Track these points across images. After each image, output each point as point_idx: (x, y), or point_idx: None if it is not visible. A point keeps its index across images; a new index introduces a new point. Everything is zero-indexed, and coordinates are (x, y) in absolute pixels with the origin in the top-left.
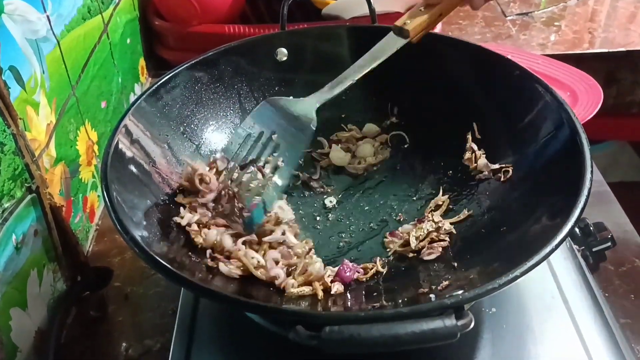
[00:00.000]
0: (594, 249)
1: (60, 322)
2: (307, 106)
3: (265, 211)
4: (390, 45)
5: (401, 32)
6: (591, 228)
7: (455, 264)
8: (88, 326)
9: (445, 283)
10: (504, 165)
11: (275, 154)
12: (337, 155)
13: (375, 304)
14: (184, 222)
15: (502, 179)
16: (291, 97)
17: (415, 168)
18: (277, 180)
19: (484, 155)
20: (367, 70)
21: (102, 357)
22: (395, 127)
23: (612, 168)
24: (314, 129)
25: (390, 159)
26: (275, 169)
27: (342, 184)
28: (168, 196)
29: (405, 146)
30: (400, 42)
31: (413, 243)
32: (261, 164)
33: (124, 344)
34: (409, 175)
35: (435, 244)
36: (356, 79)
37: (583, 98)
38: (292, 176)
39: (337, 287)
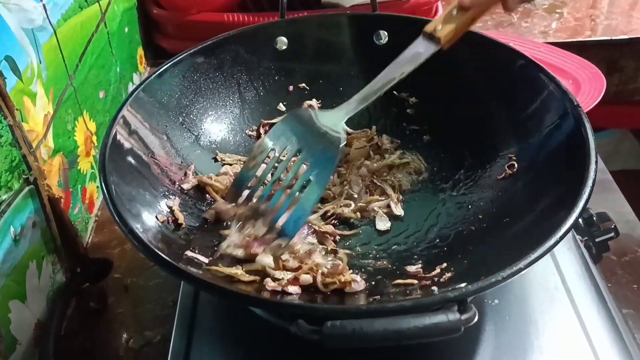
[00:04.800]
0: (597, 240)
1: (60, 314)
2: (334, 121)
3: (300, 223)
4: (419, 53)
5: (432, 38)
6: (594, 218)
7: (458, 256)
8: (88, 318)
9: (448, 275)
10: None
11: (301, 171)
12: None
13: (376, 296)
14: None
15: (508, 173)
16: (317, 109)
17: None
18: (307, 198)
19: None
20: (396, 82)
21: (102, 349)
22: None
23: (613, 156)
24: (343, 145)
25: None
26: (303, 187)
27: None
28: (167, 187)
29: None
30: (431, 49)
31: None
32: (287, 183)
33: (124, 336)
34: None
35: None
36: (385, 90)
37: (585, 86)
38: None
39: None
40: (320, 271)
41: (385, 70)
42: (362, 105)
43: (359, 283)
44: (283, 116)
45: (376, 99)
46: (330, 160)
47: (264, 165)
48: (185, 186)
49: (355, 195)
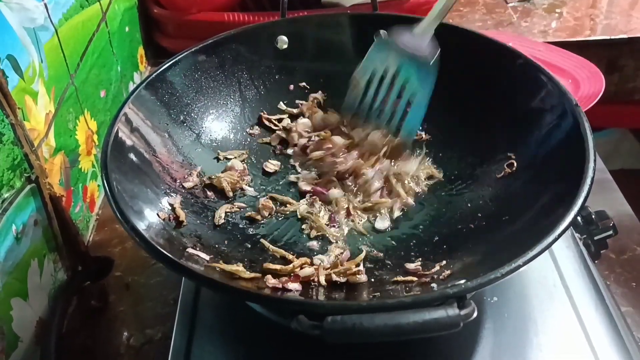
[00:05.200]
0: (595, 238)
1: (62, 312)
2: (418, 41)
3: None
4: None
5: None
6: (593, 216)
7: (458, 253)
8: (89, 316)
9: (447, 272)
10: None
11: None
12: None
13: (376, 293)
14: None
15: (507, 172)
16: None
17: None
18: (418, 104)
19: None
20: None
21: (103, 347)
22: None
23: (613, 155)
24: (435, 62)
25: None
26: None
27: None
28: (168, 185)
29: None
30: None
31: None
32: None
33: (125, 334)
34: None
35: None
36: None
37: (585, 85)
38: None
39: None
40: (322, 265)
41: None
42: (439, 20)
43: (363, 273)
44: (369, 50)
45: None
46: (427, 81)
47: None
48: (187, 184)
49: (372, 190)
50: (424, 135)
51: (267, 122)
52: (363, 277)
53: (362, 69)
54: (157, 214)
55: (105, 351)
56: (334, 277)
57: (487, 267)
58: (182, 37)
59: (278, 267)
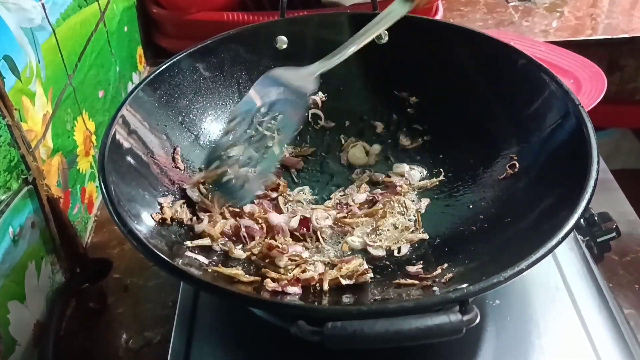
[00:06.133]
0: (598, 240)
1: (59, 314)
2: (306, 75)
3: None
4: (394, 12)
5: None
6: (596, 218)
7: (460, 256)
8: (87, 318)
9: (449, 275)
10: None
11: (274, 123)
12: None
13: (377, 297)
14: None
15: (509, 173)
16: (293, 66)
17: (416, 158)
18: (274, 149)
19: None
20: (369, 39)
21: (101, 349)
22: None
23: (613, 155)
24: (310, 99)
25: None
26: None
27: None
28: (167, 187)
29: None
30: (406, 8)
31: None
32: (260, 135)
33: (124, 336)
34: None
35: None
36: (360, 46)
37: (586, 85)
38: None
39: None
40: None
41: (361, 29)
42: (335, 62)
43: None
44: (254, 84)
45: (349, 55)
46: (298, 112)
47: None
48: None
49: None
50: (424, 137)
51: None
52: (370, 275)
53: (242, 104)
54: (154, 217)
55: (103, 354)
56: (343, 281)
57: (489, 271)
58: (182, 37)
59: (275, 275)
